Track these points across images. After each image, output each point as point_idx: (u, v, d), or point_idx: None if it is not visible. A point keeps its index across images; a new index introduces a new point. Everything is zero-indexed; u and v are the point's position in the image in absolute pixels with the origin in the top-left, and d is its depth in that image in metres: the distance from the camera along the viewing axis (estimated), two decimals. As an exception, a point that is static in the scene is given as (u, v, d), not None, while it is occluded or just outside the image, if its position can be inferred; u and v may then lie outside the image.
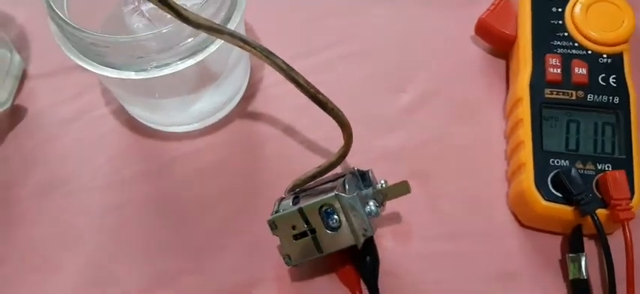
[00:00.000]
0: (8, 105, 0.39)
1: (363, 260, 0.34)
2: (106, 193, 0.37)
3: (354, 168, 0.33)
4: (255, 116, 0.39)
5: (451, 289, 0.34)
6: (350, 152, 0.37)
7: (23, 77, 0.41)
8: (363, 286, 0.34)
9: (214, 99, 0.36)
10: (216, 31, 0.28)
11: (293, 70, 0.29)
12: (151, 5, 0.32)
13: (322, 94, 0.29)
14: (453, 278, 0.34)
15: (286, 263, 0.31)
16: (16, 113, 0.39)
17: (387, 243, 0.35)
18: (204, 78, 0.34)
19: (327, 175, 0.34)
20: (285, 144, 0.38)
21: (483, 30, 0.39)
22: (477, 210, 0.36)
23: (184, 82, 0.33)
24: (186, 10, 0.27)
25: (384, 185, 0.32)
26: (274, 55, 0.29)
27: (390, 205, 0.36)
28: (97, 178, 0.38)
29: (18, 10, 0.44)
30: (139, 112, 0.37)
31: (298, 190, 0.33)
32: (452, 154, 0.37)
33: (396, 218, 0.36)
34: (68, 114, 0.39)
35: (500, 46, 0.39)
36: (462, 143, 0.38)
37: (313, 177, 0.33)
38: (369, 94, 0.40)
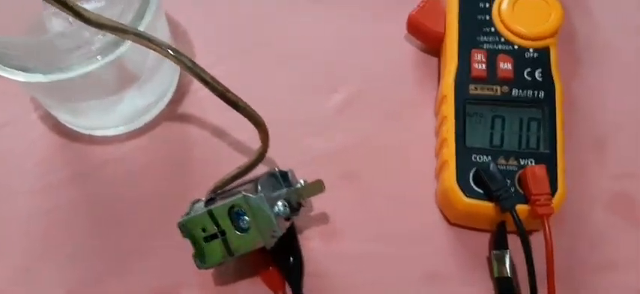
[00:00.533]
0: None
1: (286, 262, 0.33)
2: (35, 198, 0.37)
3: (275, 169, 0.33)
4: (184, 118, 0.38)
5: (378, 291, 0.34)
6: (281, 154, 0.37)
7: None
8: (289, 288, 0.33)
9: (138, 101, 0.36)
10: (120, 31, 0.28)
11: (198, 67, 0.28)
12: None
13: (232, 93, 0.29)
14: (381, 279, 0.34)
15: (198, 267, 0.30)
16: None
17: (313, 244, 0.35)
18: (123, 79, 0.33)
19: (249, 177, 0.33)
20: (214, 146, 0.38)
21: (414, 28, 0.38)
22: (406, 210, 0.35)
23: (101, 84, 0.33)
24: (86, 10, 0.27)
25: (302, 185, 0.32)
26: (180, 53, 0.28)
27: (318, 206, 0.36)
28: (25, 184, 0.37)
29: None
30: (64, 116, 0.37)
31: (219, 192, 0.33)
32: (383, 154, 0.37)
33: (323, 219, 0.35)
34: (-4, 121, 0.39)
35: (431, 43, 0.39)
36: (394, 143, 0.37)
37: (233, 178, 0.32)
38: (300, 95, 0.39)
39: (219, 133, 0.38)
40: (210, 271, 0.34)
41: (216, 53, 0.40)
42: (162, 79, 0.36)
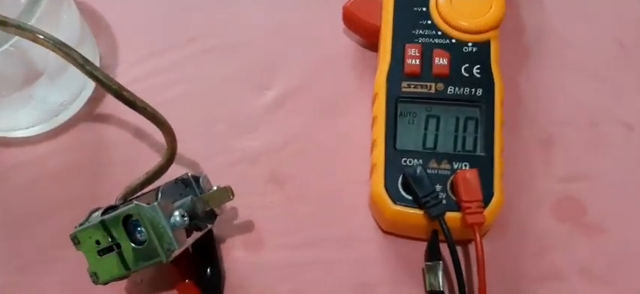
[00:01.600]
0: None
1: (203, 273, 0.31)
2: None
3: (187, 173, 0.30)
4: (102, 119, 0.36)
5: (306, 302, 0.31)
6: (206, 154, 0.34)
7: None
8: (207, 303, 0.31)
9: (50, 98, 0.33)
10: (0, 23, 0.25)
11: (91, 64, 0.26)
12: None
13: (128, 91, 0.26)
14: (310, 290, 0.32)
15: (93, 282, 0.28)
16: None
17: (237, 253, 0.32)
18: (26, 75, 0.31)
19: (160, 182, 0.30)
20: (135, 148, 0.35)
21: (350, 20, 0.36)
22: (337, 214, 0.33)
23: (3, 79, 0.30)
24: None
25: (210, 191, 0.29)
26: (69, 47, 0.26)
27: (243, 213, 0.33)
28: None
29: None
30: (-33, 116, 0.34)
31: (129, 199, 0.30)
32: (316, 155, 0.35)
33: (248, 226, 0.33)
34: None
35: (368, 37, 0.36)
36: (328, 143, 0.35)
37: (142, 184, 0.30)
38: (231, 92, 0.37)
39: (140, 134, 0.35)
40: (122, 283, 0.31)
41: (141, 48, 0.38)
42: (74, 75, 0.33)
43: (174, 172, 0.31)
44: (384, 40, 0.33)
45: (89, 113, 0.36)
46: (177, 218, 0.26)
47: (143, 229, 0.26)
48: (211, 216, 0.30)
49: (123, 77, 0.37)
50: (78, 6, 0.35)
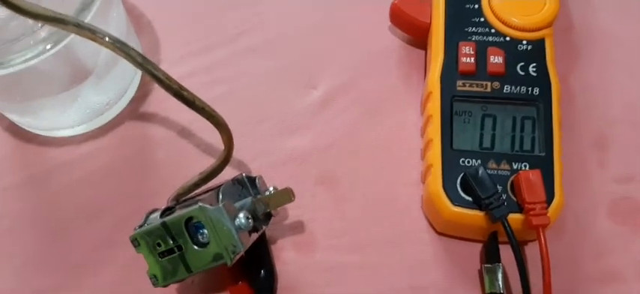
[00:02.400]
0: None
1: (257, 275, 0.30)
2: (-19, 206, 0.34)
3: (242, 174, 0.30)
4: (147, 118, 0.35)
5: (358, 305, 0.31)
6: (253, 154, 0.34)
7: None
8: (260, 304, 0.30)
9: (95, 98, 0.33)
10: (58, 22, 0.25)
11: (151, 63, 0.25)
12: None
13: (188, 91, 0.26)
14: (361, 292, 0.31)
15: (153, 285, 0.27)
16: None
17: (287, 255, 0.32)
18: (75, 74, 0.30)
19: (214, 183, 0.30)
20: (180, 148, 0.34)
21: (397, 17, 0.35)
22: (388, 216, 0.32)
23: (50, 80, 0.30)
24: (19, -3, 0.24)
25: (271, 193, 0.28)
26: (128, 46, 0.25)
27: (294, 214, 0.33)
28: (-29, 190, 0.34)
29: None
30: (13, 116, 0.33)
31: (182, 200, 0.30)
32: (364, 155, 0.34)
33: (299, 228, 0.32)
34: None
35: (416, 34, 0.35)
36: (376, 142, 0.34)
37: (196, 185, 0.29)
38: (276, 91, 0.36)
39: (185, 133, 0.35)
40: (173, 285, 0.31)
41: (185, 46, 0.37)
42: (120, 74, 0.33)
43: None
44: (436, 38, 0.33)
45: (133, 112, 0.35)
46: (242, 220, 0.25)
47: (205, 231, 0.25)
48: (267, 217, 0.29)
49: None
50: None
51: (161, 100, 0.36)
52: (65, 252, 0.32)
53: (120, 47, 0.25)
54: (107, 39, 0.25)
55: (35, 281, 0.32)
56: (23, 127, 0.35)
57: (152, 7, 0.38)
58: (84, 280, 0.32)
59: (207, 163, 0.33)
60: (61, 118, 0.33)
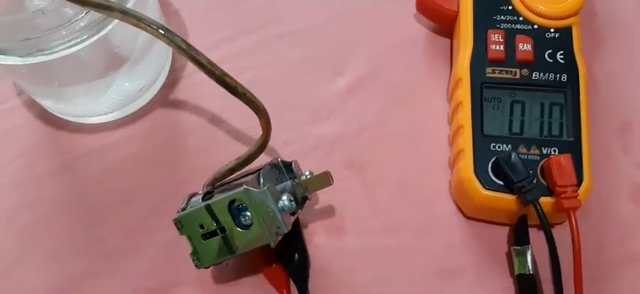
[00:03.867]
0: None
1: (291, 258, 0.31)
2: (16, 191, 0.34)
3: (277, 159, 0.30)
4: (177, 105, 0.36)
5: (389, 288, 0.31)
6: (283, 141, 0.34)
7: None
8: (293, 286, 0.31)
9: (128, 86, 0.33)
10: (105, 8, 0.25)
11: (194, 49, 0.26)
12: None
13: (230, 77, 0.26)
14: (391, 276, 0.32)
15: (196, 266, 0.28)
16: None
17: (319, 239, 0.32)
18: (110, 62, 0.31)
19: (249, 168, 0.30)
20: (210, 135, 0.35)
21: (424, 6, 0.36)
22: (417, 201, 0.33)
23: (87, 67, 0.30)
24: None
25: (307, 177, 0.29)
26: (172, 33, 0.25)
27: (324, 198, 0.33)
28: (6, 176, 0.35)
29: None
30: (47, 102, 0.34)
31: (218, 185, 0.30)
32: (392, 141, 0.35)
33: (329, 212, 0.33)
34: (-25, 107, 0.36)
35: (442, 23, 0.36)
36: (403, 129, 0.35)
37: (232, 170, 0.30)
38: (303, 78, 0.36)
39: (215, 120, 0.35)
40: (209, 269, 0.31)
41: (211, 34, 0.38)
42: (153, 61, 0.33)
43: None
44: (465, 26, 0.33)
45: (163, 99, 0.36)
46: (286, 202, 0.26)
47: (248, 214, 0.26)
48: (303, 201, 0.30)
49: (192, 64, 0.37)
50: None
51: (190, 87, 0.36)
52: (99, 238, 0.33)
53: (165, 34, 0.25)
54: (153, 26, 0.25)
55: (70, 267, 0.32)
56: (55, 113, 0.35)
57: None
58: (118, 266, 0.32)
59: (237, 149, 0.34)
60: (95, 105, 0.34)
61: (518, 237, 0.30)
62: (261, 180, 0.27)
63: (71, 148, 0.35)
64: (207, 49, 0.37)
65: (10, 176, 0.34)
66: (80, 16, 0.27)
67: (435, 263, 0.32)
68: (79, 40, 0.28)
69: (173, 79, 0.36)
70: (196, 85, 0.36)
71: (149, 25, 0.25)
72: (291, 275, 0.31)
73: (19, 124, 0.36)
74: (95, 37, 0.28)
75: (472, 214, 0.32)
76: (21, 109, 0.36)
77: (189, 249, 0.27)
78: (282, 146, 0.34)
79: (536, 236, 0.30)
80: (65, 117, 0.35)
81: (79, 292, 0.31)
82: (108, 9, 0.25)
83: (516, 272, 0.30)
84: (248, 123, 0.35)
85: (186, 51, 0.25)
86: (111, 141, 0.35)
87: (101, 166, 0.34)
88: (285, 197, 0.26)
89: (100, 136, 0.35)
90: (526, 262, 0.30)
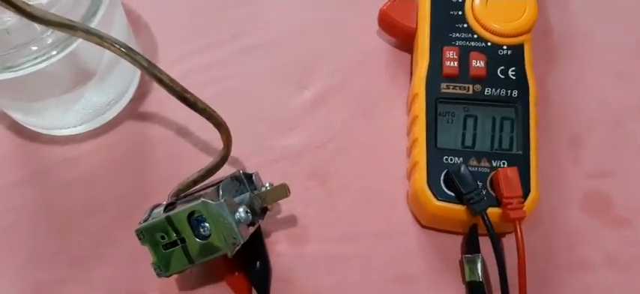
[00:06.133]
0: None
1: (252, 266, 0.32)
2: (-17, 202, 0.35)
3: (239, 171, 0.32)
4: (145, 117, 0.37)
5: (347, 293, 0.33)
6: (248, 152, 0.35)
7: None
8: (255, 294, 0.32)
9: (97, 99, 0.34)
10: (68, 28, 0.26)
11: (155, 67, 0.27)
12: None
13: (190, 93, 0.27)
14: (351, 282, 0.33)
15: (157, 275, 0.29)
16: None
17: (281, 248, 0.34)
18: (78, 77, 0.32)
19: (212, 179, 0.32)
20: (178, 146, 0.36)
21: (385, 22, 0.37)
22: (377, 210, 0.34)
23: (55, 82, 0.31)
24: (31, 5, 0.25)
25: (267, 188, 0.30)
26: (134, 51, 0.27)
27: (286, 208, 0.35)
28: (-23, 186, 0.35)
29: None
30: (18, 115, 0.35)
31: (182, 196, 0.31)
32: (353, 152, 0.36)
33: (292, 221, 0.34)
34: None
35: (403, 39, 0.37)
36: (365, 141, 0.36)
37: (195, 182, 0.31)
38: (269, 91, 0.38)
39: (182, 132, 0.36)
40: (174, 277, 0.32)
41: (180, 47, 0.39)
42: (120, 75, 0.35)
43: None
44: (422, 43, 0.35)
45: (132, 112, 0.37)
46: (242, 214, 0.27)
47: (207, 225, 0.27)
48: (263, 212, 0.31)
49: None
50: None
51: (159, 100, 0.37)
52: (68, 247, 0.34)
53: (126, 52, 0.26)
54: (115, 45, 0.26)
55: (38, 275, 0.33)
56: (26, 125, 0.36)
57: (149, 9, 0.40)
58: (85, 274, 0.33)
59: (204, 160, 0.35)
60: (64, 118, 0.35)
61: (469, 245, 0.32)
62: (221, 192, 0.28)
63: (41, 158, 0.36)
64: (176, 61, 0.39)
65: (-19, 186, 0.35)
66: (47, 34, 0.28)
67: (392, 270, 0.33)
68: (46, 56, 0.29)
69: (142, 92, 0.37)
70: (164, 98, 0.36)
71: (112, 44, 0.26)
72: (252, 283, 0.32)
73: (-12, 135, 0.37)
74: (62, 54, 0.29)
75: (427, 223, 0.33)
76: (-10, 122, 0.37)
77: (153, 259, 0.29)
78: (248, 157, 0.36)
79: (487, 245, 0.32)
80: (36, 129, 0.36)
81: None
82: (72, 29, 0.26)
83: (467, 279, 0.31)
84: (214, 134, 0.35)
85: (147, 69, 0.27)
86: (80, 152, 0.36)
87: (70, 177, 0.35)
88: (241, 209, 0.27)
89: (70, 147, 0.36)
90: (476, 269, 0.31)
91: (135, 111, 0.37)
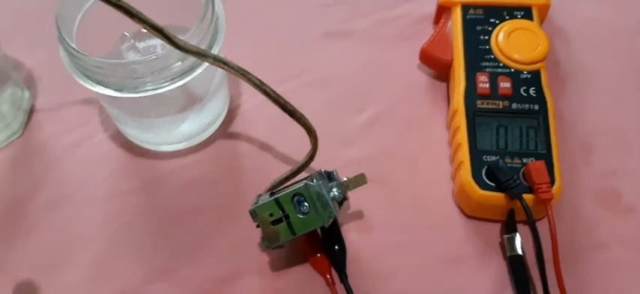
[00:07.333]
0: (20, 134, 0.45)
1: (332, 249, 0.39)
2: (106, 205, 0.42)
3: (321, 169, 0.39)
4: (234, 136, 0.45)
5: (408, 272, 0.40)
6: (320, 162, 0.43)
7: (31, 111, 0.47)
8: (334, 272, 0.39)
9: (199, 120, 0.42)
10: (202, 55, 0.35)
11: (265, 84, 0.35)
12: (145, 43, 0.39)
13: (290, 104, 0.36)
14: (409, 263, 0.40)
15: (265, 247, 0.36)
16: (27, 141, 0.45)
17: (352, 236, 0.41)
18: (189, 100, 0.40)
19: (297, 178, 0.39)
20: (261, 158, 0.44)
21: (426, 57, 0.46)
22: (427, 205, 0.42)
23: (173, 103, 0.39)
24: (176, 37, 0.34)
25: (348, 179, 0.38)
26: (249, 73, 0.35)
27: (354, 204, 0.42)
28: (97, 192, 0.43)
29: (27, 57, 0.50)
30: (133, 132, 0.43)
31: (276, 191, 0.39)
32: (404, 160, 0.44)
33: (359, 215, 0.42)
34: (71, 140, 0.45)
35: (440, 70, 0.46)
36: (412, 151, 0.44)
37: (287, 178, 0.39)
38: (332, 114, 0.46)
39: (265, 147, 0.44)
40: (266, 259, 0.40)
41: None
42: (219, 102, 0.43)
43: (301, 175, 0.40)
44: (458, 70, 0.43)
45: (224, 131, 0.45)
46: (336, 193, 0.35)
47: (306, 204, 0.35)
48: (341, 203, 0.38)
49: (244, 105, 0.47)
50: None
51: (245, 122, 0.46)
52: (175, 239, 0.41)
53: (244, 74, 0.35)
54: (235, 68, 0.35)
55: (154, 261, 0.40)
56: (137, 142, 0.44)
57: (231, 53, 0.49)
58: (192, 260, 0.40)
59: (283, 167, 0.42)
60: (170, 136, 0.43)
61: (508, 227, 0.39)
62: (314, 180, 0.36)
63: (149, 170, 0.44)
64: (256, 94, 0.47)
65: (100, 194, 0.43)
66: (176, 65, 0.36)
67: (443, 253, 0.40)
68: (171, 82, 0.37)
69: (231, 116, 0.46)
70: (248, 120, 0.46)
71: (232, 68, 0.35)
72: (332, 263, 0.39)
73: (105, 152, 0.45)
74: (185, 80, 0.37)
75: (471, 212, 0.41)
76: (107, 141, 0.45)
77: (259, 236, 0.36)
78: (320, 166, 0.43)
79: (522, 230, 0.39)
80: (145, 145, 0.44)
81: (163, 279, 0.39)
82: (204, 56, 0.35)
83: (508, 254, 0.39)
84: (289, 147, 0.44)
85: (259, 86, 0.35)
86: (181, 165, 0.44)
87: (174, 185, 0.43)
88: (335, 189, 0.35)
89: (173, 161, 0.44)
90: (515, 244, 0.38)
91: (226, 131, 0.45)
